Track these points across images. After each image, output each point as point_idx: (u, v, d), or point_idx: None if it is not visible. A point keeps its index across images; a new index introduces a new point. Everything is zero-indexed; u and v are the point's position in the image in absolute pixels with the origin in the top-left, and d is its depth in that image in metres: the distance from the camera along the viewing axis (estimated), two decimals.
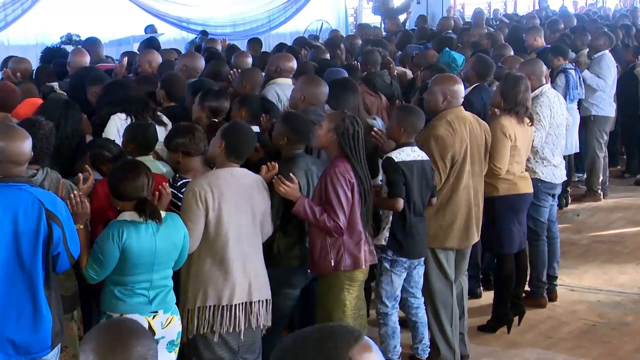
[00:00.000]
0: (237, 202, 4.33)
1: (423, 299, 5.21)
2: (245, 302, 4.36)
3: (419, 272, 5.14)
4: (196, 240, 4.25)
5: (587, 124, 8.88)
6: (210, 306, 4.29)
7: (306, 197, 4.55)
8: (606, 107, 9.04)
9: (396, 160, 4.87)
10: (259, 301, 4.40)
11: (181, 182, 4.57)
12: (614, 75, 9.10)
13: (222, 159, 4.38)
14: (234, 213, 4.31)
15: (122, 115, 5.16)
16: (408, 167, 4.87)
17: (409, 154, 4.92)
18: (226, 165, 4.37)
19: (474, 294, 6.37)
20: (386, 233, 4.96)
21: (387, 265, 4.96)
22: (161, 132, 5.19)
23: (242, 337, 4.39)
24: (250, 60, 7.60)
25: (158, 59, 7.24)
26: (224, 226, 4.28)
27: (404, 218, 4.92)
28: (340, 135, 4.54)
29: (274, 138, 4.84)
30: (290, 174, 4.51)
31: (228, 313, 4.31)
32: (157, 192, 4.17)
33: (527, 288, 6.29)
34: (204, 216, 4.25)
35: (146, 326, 3.92)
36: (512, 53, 8.18)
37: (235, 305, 4.32)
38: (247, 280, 4.37)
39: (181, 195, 4.45)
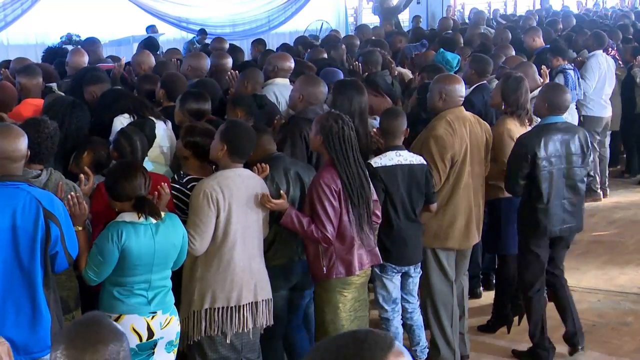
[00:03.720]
0: (245, 203, 4.32)
1: (418, 301, 5.18)
2: (252, 302, 4.36)
3: (413, 281, 5.10)
4: (206, 241, 4.24)
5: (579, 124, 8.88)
6: (218, 308, 4.28)
7: (294, 208, 4.50)
8: (595, 107, 9.02)
9: (374, 165, 4.81)
10: (262, 300, 4.40)
11: (187, 177, 4.55)
12: (600, 76, 9.01)
13: (225, 161, 4.35)
14: (242, 214, 4.30)
15: (126, 115, 5.16)
16: (389, 172, 4.81)
17: (392, 158, 4.86)
18: (230, 166, 4.35)
19: (474, 294, 6.37)
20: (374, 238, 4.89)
21: (377, 270, 4.91)
22: (162, 128, 5.19)
23: (248, 336, 4.39)
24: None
25: (150, 60, 7.22)
26: (233, 227, 4.27)
27: (390, 224, 4.88)
28: (325, 136, 4.44)
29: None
30: (281, 192, 4.48)
31: (237, 314, 4.31)
32: (156, 192, 4.15)
33: None
34: (215, 217, 4.23)
35: (145, 326, 3.94)
36: (513, 53, 8.18)
37: (243, 305, 4.32)
38: (254, 280, 4.37)
39: (187, 191, 4.44)
